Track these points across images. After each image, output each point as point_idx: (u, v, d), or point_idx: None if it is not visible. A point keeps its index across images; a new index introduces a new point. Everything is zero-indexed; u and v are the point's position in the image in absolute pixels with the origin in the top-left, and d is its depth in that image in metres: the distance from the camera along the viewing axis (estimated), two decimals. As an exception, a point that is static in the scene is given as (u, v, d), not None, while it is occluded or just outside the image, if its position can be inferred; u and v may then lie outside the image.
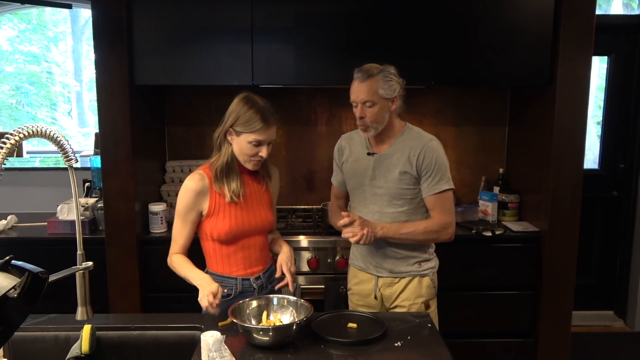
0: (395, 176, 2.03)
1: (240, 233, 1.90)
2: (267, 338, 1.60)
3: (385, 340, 1.67)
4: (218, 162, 1.88)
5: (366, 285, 2.15)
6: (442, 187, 2.01)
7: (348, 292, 2.26)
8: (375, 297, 2.12)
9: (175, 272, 1.92)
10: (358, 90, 1.98)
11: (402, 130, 2.08)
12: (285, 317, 1.75)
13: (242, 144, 1.83)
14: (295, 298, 1.79)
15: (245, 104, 1.82)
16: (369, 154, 2.09)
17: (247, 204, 1.92)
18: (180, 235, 1.92)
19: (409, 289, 2.08)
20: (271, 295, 1.83)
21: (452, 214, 2.05)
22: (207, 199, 1.88)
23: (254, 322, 1.73)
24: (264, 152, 1.84)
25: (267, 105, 1.85)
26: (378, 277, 2.11)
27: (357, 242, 1.90)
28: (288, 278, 1.87)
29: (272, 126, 1.83)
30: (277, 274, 1.92)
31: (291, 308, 1.76)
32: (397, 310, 2.09)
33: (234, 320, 1.63)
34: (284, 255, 1.93)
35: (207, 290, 1.71)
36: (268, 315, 1.76)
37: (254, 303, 1.78)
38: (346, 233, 1.92)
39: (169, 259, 1.94)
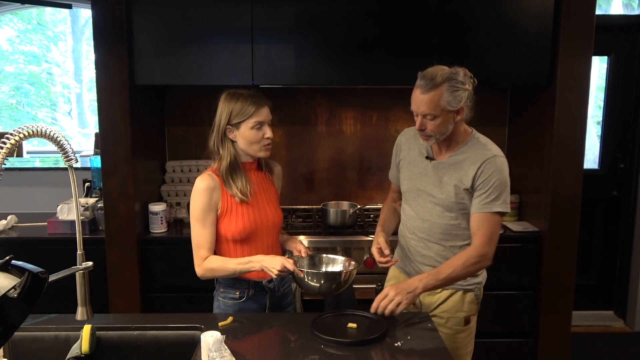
0: (451, 188, 1.87)
1: (254, 231, 1.90)
2: (318, 284, 1.78)
3: (385, 340, 1.66)
4: (223, 164, 1.89)
5: None
6: (494, 209, 1.82)
7: None
8: (414, 304, 1.98)
9: (216, 275, 1.88)
10: (419, 101, 1.80)
11: (466, 140, 1.91)
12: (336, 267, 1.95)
13: (245, 134, 1.85)
14: (344, 257, 1.97)
15: (231, 98, 1.87)
16: (427, 157, 1.95)
17: (257, 202, 1.93)
18: (204, 240, 1.86)
19: (450, 302, 1.96)
20: (323, 255, 2.00)
21: (495, 241, 1.87)
22: (220, 197, 1.87)
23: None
24: (268, 132, 1.87)
25: (252, 91, 1.90)
26: None
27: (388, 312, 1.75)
28: (303, 250, 1.96)
29: (264, 106, 1.87)
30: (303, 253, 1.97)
31: (341, 264, 1.95)
32: (434, 320, 1.91)
33: (294, 269, 1.76)
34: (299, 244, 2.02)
35: (277, 265, 1.74)
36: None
37: (306, 259, 1.95)
38: (375, 308, 1.75)
39: (200, 267, 1.86)
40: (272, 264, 1.76)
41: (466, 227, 1.91)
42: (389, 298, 1.75)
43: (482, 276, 2.02)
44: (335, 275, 1.84)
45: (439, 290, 1.96)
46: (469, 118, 1.89)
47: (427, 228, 1.95)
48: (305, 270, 1.82)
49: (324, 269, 1.95)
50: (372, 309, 1.77)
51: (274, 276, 1.77)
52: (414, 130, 2.02)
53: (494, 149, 1.89)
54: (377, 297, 1.77)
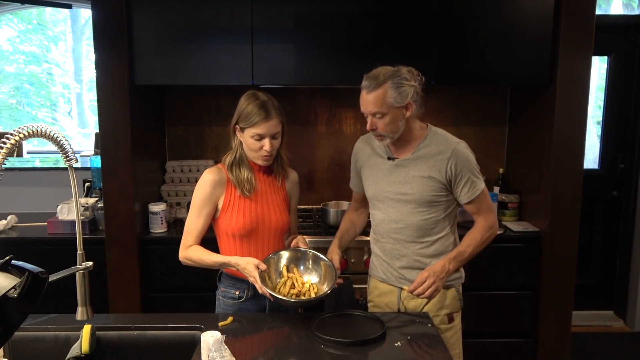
0: (420, 182, 1.89)
1: (255, 229, 1.90)
2: (287, 303, 1.77)
3: (385, 340, 1.67)
4: (229, 157, 1.92)
5: (389, 298, 2.02)
6: (480, 189, 1.91)
7: (368, 304, 2.14)
8: (399, 310, 1.99)
9: (195, 263, 1.90)
10: (365, 102, 1.84)
11: (424, 134, 1.93)
12: (313, 277, 1.87)
13: (246, 140, 1.86)
14: (321, 255, 1.90)
15: (246, 99, 1.86)
16: (389, 158, 1.96)
17: (263, 201, 1.93)
18: (194, 228, 1.90)
19: (432, 300, 1.95)
20: (302, 249, 1.91)
21: (494, 209, 2.02)
22: (223, 191, 1.89)
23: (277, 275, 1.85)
24: (267, 145, 1.83)
25: (270, 99, 1.86)
26: (401, 288, 1.98)
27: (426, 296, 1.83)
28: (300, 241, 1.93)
29: (271, 119, 1.82)
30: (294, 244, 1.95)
31: (318, 269, 1.88)
32: None
33: (265, 290, 1.72)
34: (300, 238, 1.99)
35: (249, 274, 1.76)
36: (288, 269, 1.86)
37: (286, 255, 1.89)
38: (413, 289, 1.82)
39: (182, 253, 1.92)
40: (247, 271, 1.77)
41: (438, 220, 1.94)
42: (427, 284, 1.81)
43: (461, 271, 2.04)
44: (302, 302, 1.79)
45: None
46: (420, 114, 1.91)
47: (401, 228, 1.94)
48: (271, 293, 1.73)
49: (302, 268, 1.90)
50: (409, 290, 1.84)
51: (252, 282, 1.77)
52: (370, 136, 2.01)
53: (454, 138, 1.94)
54: (417, 280, 1.82)
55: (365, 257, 2.69)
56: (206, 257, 1.88)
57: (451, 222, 1.99)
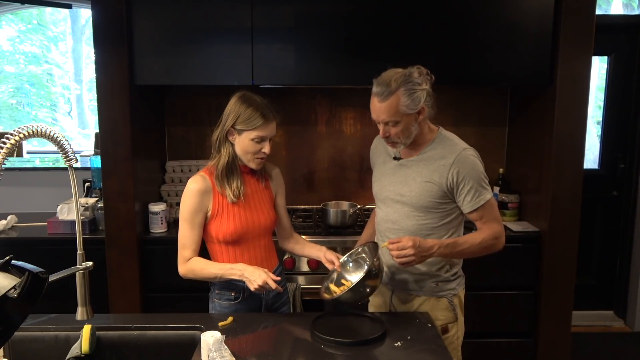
0: (419, 185, 1.85)
1: (245, 233, 1.89)
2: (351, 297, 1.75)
3: (385, 340, 1.67)
4: (220, 163, 1.88)
5: (381, 298, 2.03)
6: (485, 199, 1.82)
7: (368, 304, 2.14)
8: (391, 311, 1.98)
9: (197, 276, 1.88)
10: (378, 111, 1.80)
11: (433, 137, 1.89)
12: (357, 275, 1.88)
13: (244, 142, 1.84)
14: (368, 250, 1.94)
15: (243, 102, 1.83)
16: (395, 158, 1.95)
17: (250, 204, 1.92)
18: (190, 241, 1.87)
19: (423, 309, 1.92)
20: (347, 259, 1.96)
21: (501, 220, 1.89)
22: (211, 199, 1.87)
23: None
24: (266, 148, 1.84)
25: (266, 101, 1.86)
26: (393, 291, 1.99)
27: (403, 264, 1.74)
28: (336, 262, 1.88)
29: (272, 121, 1.84)
30: (332, 266, 1.89)
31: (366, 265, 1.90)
32: None
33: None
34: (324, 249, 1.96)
35: (259, 280, 1.72)
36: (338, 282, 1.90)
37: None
38: (395, 253, 1.73)
39: (182, 267, 1.88)
40: (253, 277, 1.74)
41: (435, 227, 1.87)
42: (405, 252, 1.70)
43: (456, 282, 1.97)
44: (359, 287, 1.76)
45: (412, 297, 1.94)
46: (431, 116, 1.86)
47: (397, 230, 1.91)
48: (329, 295, 1.80)
49: (355, 275, 1.91)
50: (388, 243, 1.75)
51: (253, 289, 1.74)
52: None
53: (461, 143, 1.88)
54: (401, 242, 1.71)
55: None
56: (210, 267, 1.86)
57: (450, 232, 1.90)
